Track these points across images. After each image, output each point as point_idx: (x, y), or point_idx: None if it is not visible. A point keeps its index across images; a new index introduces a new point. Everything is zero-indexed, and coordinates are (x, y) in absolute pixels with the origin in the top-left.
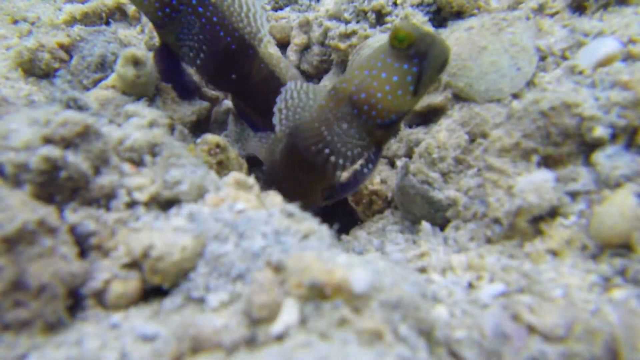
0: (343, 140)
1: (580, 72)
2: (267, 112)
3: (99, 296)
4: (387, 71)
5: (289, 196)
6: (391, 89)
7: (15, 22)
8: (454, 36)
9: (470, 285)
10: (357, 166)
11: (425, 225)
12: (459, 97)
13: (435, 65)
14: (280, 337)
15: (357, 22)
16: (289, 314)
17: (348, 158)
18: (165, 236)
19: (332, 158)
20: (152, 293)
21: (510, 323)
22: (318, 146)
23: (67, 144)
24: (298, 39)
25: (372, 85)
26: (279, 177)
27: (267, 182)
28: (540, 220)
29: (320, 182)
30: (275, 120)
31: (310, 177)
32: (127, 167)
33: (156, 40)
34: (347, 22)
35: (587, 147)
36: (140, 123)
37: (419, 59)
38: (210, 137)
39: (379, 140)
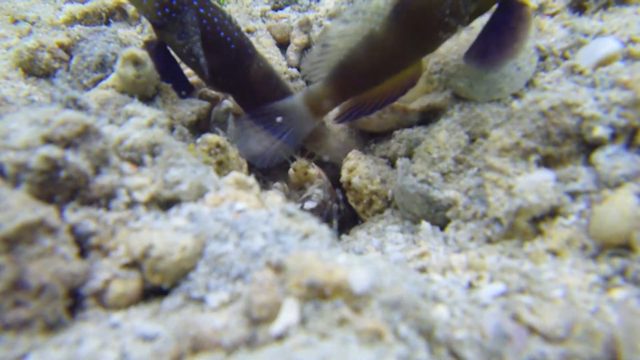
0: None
1: (580, 72)
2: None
3: (99, 296)
4: None
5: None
6: None
7: (15, 21)
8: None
9: (471, 285)
10: None
11: (425, 225)
12: (459, 97)
13: None
14: (280, 337)
15: None
16: (289, 313)
17: (465, 22)
18: (165, 236)
19: (448, 20)
20: (152, 293)
21: (510, 323)
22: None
23: (67, 143)
24: (298, 38)
25: None
26: (367, 66)
27: (338, 87)
28: (540, 220)
29: (426, 50)
30: None
31: (417, 44)
32: (127, 166)
33: None
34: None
35: (587, 147)
36: (140, 123)
37: None
38: (210, 137)
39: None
